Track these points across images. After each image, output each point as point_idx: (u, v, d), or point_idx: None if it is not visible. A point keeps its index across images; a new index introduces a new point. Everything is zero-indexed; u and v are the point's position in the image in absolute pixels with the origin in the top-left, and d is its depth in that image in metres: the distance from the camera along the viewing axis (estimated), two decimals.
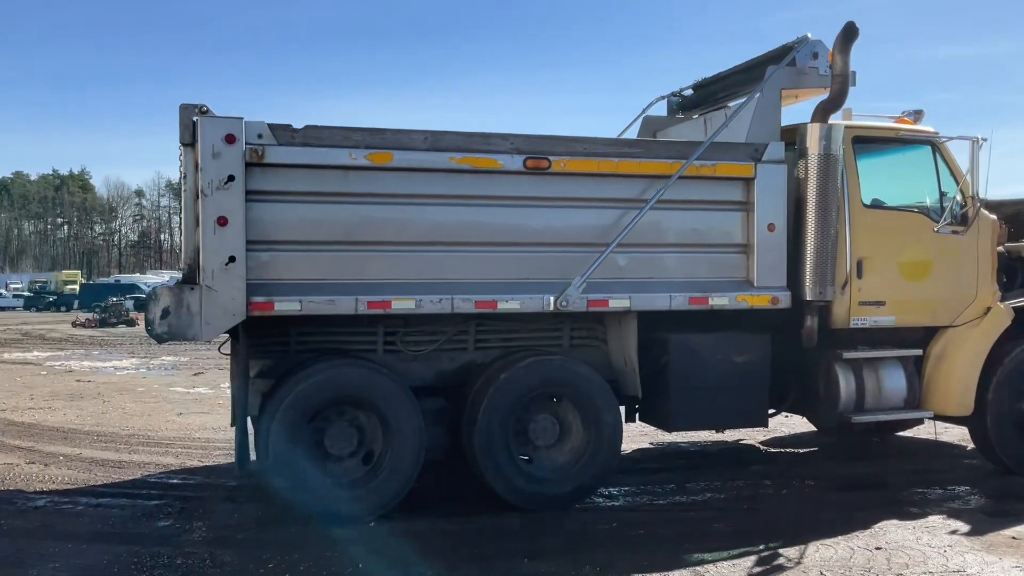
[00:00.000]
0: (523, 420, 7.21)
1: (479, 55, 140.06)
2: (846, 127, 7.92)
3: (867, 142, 8.18)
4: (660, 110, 9.77)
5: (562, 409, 7.31)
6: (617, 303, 7.21)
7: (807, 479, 8.23)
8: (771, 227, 7.56)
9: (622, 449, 9.33)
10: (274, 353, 7.17)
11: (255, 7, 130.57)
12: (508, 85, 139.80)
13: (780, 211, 7.58)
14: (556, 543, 6.26)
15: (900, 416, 8.19)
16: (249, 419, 6.87)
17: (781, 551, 6.08)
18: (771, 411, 8.47)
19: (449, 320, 7.34)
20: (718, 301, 7.45)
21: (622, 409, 8.00)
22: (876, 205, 8.13)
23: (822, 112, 7.68)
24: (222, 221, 6.32)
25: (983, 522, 6.77)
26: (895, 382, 8.05)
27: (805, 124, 7.68)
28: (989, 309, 8.21)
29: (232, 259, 6.33)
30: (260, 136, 6.49)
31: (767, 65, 7.90)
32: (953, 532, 6.53)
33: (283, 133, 6.55)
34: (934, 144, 8.27)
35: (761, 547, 6.16)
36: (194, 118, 6.37)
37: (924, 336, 8.33)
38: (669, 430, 7.77)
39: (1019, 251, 9.02)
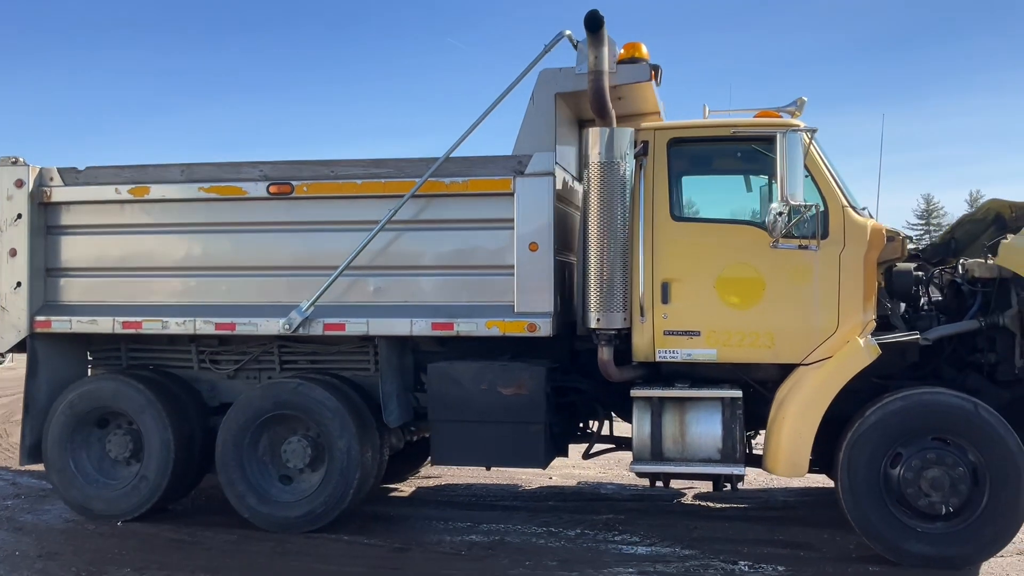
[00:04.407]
0: (283, 439, 7.37)
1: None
2: (652, 129, 6.87)
3: (693, 143, 6.95)
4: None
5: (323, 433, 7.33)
6: (355, 328, 7.10)
7: (635, 537, 7.04)
8: (533, 246, 6.86)
9: (530, 482, 8.93)
10: (111, 367, 8.20)
11: None
12: None
13: (544, 228, 6.84)
14: (193, 560, 6.45)
15: (702, 471, 6.67)
16: None
17: None
18: (586, 450, 7.55)
19: (254, 341, 7.77)
20: (465, 327, 6.95)
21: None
22: (689, 218, 6.88)
23: (596, 116, 6.75)
24: (12, 252, 7.56)
25: None
26: (706, 428, 6.66)
27: (588, 129, 6.83)
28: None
29: (19, 284, 7.53)
30: (52, 179, 7.63)
31: None
32: None
33: (69, 175, 7.62)
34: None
35: None
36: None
37: (778, 375, 6.81)
38: (432, 463, 7.30)
39: (973, 270, 6.91)
